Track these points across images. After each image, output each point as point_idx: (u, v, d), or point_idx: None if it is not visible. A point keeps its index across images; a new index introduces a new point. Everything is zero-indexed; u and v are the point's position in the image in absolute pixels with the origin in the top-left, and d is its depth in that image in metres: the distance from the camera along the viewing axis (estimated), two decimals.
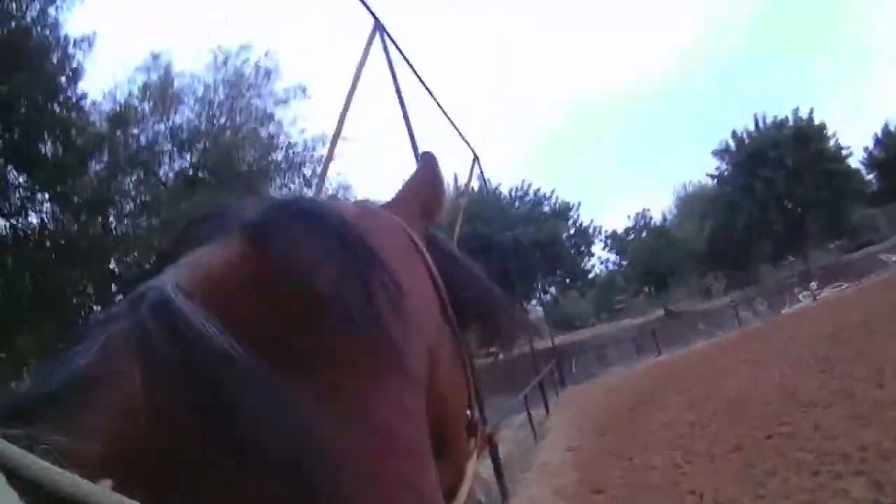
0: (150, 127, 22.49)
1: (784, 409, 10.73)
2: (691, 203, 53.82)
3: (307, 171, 25.49)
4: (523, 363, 36.01)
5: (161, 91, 22.39)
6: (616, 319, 52.01)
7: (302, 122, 25.88)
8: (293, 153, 25.55)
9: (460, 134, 17.78)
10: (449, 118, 16.06)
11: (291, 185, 24.93)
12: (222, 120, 24.35)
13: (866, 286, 29.51)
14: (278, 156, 25.01)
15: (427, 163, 1.00)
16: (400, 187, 0.97)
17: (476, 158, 19.78)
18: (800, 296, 34.49)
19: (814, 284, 34.70)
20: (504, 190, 38.32)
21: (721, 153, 44.39)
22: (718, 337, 28.85)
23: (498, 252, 34.36)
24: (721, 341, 26.47)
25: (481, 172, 21.36)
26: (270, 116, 25.02)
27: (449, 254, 0.95)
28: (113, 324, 0.54)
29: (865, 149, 48.95)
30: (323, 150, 24.81)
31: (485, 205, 35.52)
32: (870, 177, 48.69)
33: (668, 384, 18.05)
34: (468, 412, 0.92)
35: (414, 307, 0.70)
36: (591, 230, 41.07)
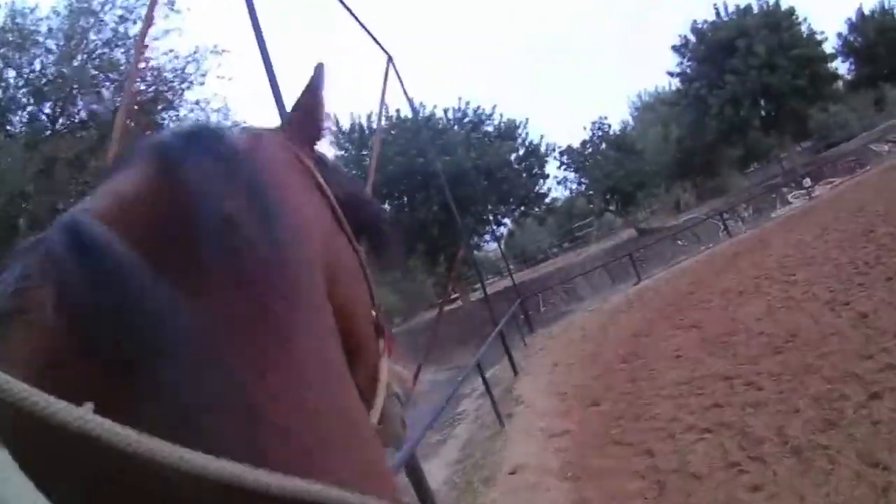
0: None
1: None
2: (651, 110, 50.10)
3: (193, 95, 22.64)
4: (482, 310, 32.32)
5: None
6: (582, 246, 48.55)
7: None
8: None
9: (370, 35, 14.89)
10: (356, 18, 13.78)
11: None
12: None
13: (865, 179, 26.49)
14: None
15: (310, 81, 1.01)
16: (293, 109, 1.01)
17: (390, 59, 15.68)
18: (789, 197, 31.28)
19: (807, 181, 31.74)
20: (439, 112, 33.89)
21: (681, 48, 40.21)
22: (705, 251, 25.28)
23: (435, 184, 30.30)
24: (711, 256, 22.88)
25: (399, 78, 17.22)
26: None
27: (335, 171, 1.01)
28: (32, 251, 0.59)
29: (839, 35, 44.79)
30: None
31: (414, 132, 31.37)
32: (845, 64, 44.85)
33: (663, 318, 14.43)
34: (373, 314, 0.99)
35: (307, 224, 0.76)
36: (543, 149, 36.61)
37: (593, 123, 39.66)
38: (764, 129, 38.75)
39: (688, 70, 40.11)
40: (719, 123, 38.09)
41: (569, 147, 38.91)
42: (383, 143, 31.49)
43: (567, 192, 41.02)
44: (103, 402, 0.48)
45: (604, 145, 38.34)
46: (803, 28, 38.53)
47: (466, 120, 34.81)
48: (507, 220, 36.28)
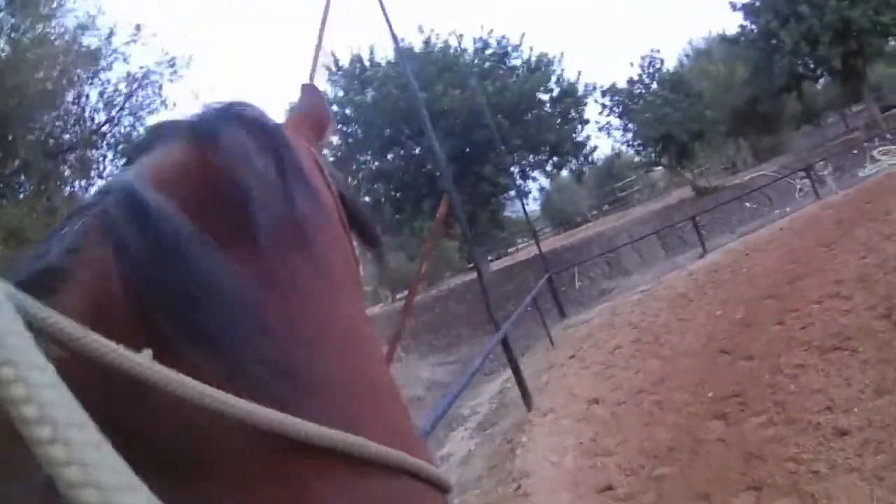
0: None
1: None
2: (708, 54, 44.12)
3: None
4: (504, 282, 27.46)
5: None
6: (626, 208, 42.86)
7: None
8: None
9: None
10: None
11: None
12: None
13: None
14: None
15: (313, 93, 1.12)
16: (289, 114, 1.11)
17: None
18: (876, 153, 25.83)
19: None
20: (453, 41, 28.45)
21: None
22: (784, 217, 20.13)
23: (444, 126, 25.14)
24: (799, 223, 17.71)
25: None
26: None
27: (333, 171, 1.05)
28: (88, 212, 0.65)
29: None
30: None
31: (422, 62, 26.41)
32: None
33: (762, 318, 9.56)
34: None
35: (333, 210, 0.87)
36: (581, 90, 30.97)
37: (642, 59, 33.49)
38: (844, 73, 32.82)
39: (755, 2, 34.14)
40: (792, 64, 32.36)
41: (612, 86, 32.72)
42: (384, 78, 26.68)
43: (611, 141, 35.07)
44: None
45: (655, 85, 32.31)
46: None
47: (489, 52, 29.41)
48: (536, 174, 30.84)
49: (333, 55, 29.01)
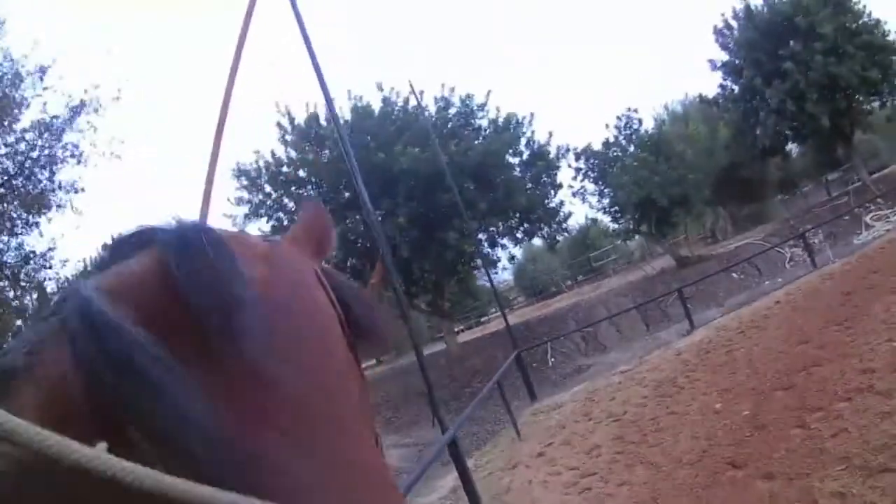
0: None
1: None
2: (689, 112, 42.94)
3: None
4: (471, 356, 25.61)
5: None
6: (602, 277, 41.18)
7: None
8: None
9: None
10: None
11: None
12: None
13: None
14: None
15: (316, 210, 1.12)
16: (291, 231, 1.08)
17: None
18: (868, 219, 25.03)
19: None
20: (412, 98, 26.55)
21: (724, 32, 33.31)
22: (777, 288, 18.62)
23: (405, 189, 23.45)
24: (796, 294, 16.18)
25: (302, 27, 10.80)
26: None
27: (337, 279, 1.06)
28: (44, 322, 0.68)
29: None
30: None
31: (379, 121, 25.08)
32: None
33: (770, 409, 7.91)
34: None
35: (325, 328, 0.84)
36: (553, 152, 29.22)
37: (618, 118, 31.32)
38: (832, 134, 31.72)
39: (735, 60, 33.14)
40: (777, 123, 31.18)
41: (587, 148, 30.56)
42: (339, 139, 25.08)
43: (587, 207, 32.84)
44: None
45: (632, 148, 30.48)
46: (865, 13, 31.71)
47: (452, 111, 27.78)
48: (506, 241, 28.90)
49: (288, 112, 27.49)
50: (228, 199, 27.37)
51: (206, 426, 0.59)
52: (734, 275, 24.21)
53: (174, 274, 0.68)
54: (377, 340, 1.07)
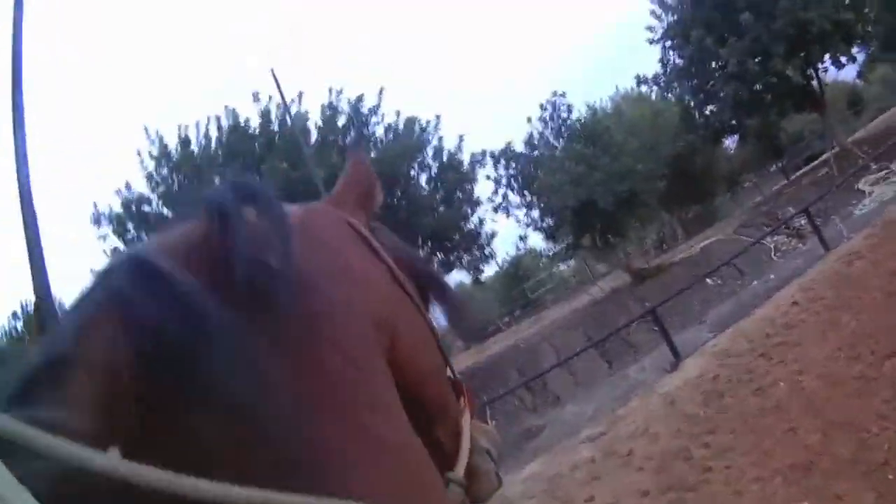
0: None
1: None
2: (628, 96, 38.40)
3: None
4: None
5: None
6: (542, 309, 34.75)
7: None
8: None
9: None
10: None
11: None
12: None
13: None
14: None
15: (360, 163, 1.18)
16: (336, 186, 1.14)
17: None
18: (861, 185, 22.04)
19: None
20: (302, 106, 22.28)
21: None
22: (787, 287, 13.91)
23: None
24: (808, 290, 11.81)
25: None
26: None
27: (394, 241, 1.15)
28: (96, 289, 0.71)
29: None
30: None
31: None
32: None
33: None
34: (449, 374, 1.13)
35: (353, 283, 0.90)
36: (466, 160, 24.37)
37: (543, 107, 25.53)
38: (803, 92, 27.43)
39: (677, 18, 27.90)
40: (738, 88, 26.07)
41: (507, 149, 25.40)
42: (203, 159, 20.24)
43: (514, 224, 26.87)
44: (153, 437, 0.60)
45: (563, 141, 25.39)
46: None
47: (342, 121, 22.75)
48: None
49: (160, 137, 22.64)
50: (104, 252, 22.04)
51: (259, 370, 0.63)
52: (709, 281, 19.60)
53: (219, 236, 0.74)
54: (443, 296, 1.15)
